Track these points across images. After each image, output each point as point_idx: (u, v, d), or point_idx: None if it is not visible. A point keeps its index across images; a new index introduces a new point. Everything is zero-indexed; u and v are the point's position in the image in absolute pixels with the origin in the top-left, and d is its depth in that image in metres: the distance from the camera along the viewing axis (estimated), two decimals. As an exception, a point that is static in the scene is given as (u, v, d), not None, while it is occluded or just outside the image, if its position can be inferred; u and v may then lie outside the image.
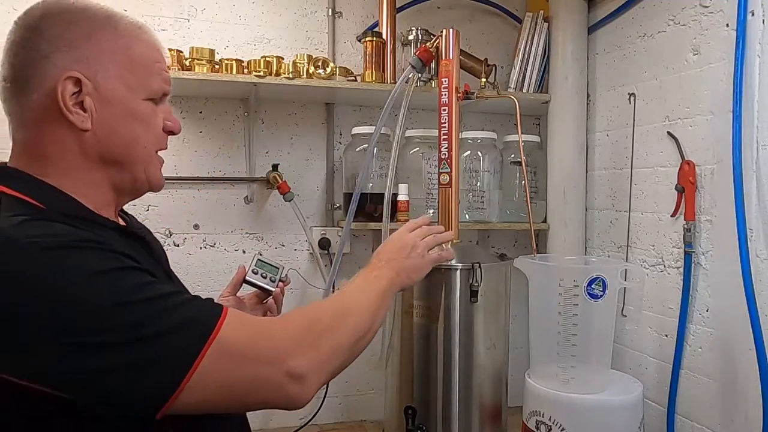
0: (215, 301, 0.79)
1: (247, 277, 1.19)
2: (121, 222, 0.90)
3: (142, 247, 0.86)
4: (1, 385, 0.64)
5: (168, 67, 0.87)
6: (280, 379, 0.69)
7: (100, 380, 0.62)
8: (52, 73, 0.74)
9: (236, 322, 0.69)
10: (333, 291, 1.93)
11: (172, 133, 0.87)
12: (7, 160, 0.80)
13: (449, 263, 1.41)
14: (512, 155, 1.98)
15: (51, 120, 0.75)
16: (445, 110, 1.46)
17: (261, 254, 1.25)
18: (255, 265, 1.21)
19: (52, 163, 0.77)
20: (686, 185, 1.54)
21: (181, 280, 0.99)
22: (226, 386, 0.67)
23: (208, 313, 0.69)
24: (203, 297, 0.75)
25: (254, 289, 1.21)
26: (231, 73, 1.72)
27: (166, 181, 0.93)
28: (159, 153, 0.87)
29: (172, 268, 0.99)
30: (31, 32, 0.75)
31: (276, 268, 1.23)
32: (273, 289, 1.20)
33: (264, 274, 1.20)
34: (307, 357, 0.72)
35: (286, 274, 1.25)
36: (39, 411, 0.66)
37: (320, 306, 0.86)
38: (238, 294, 1.21)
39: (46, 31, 0.75)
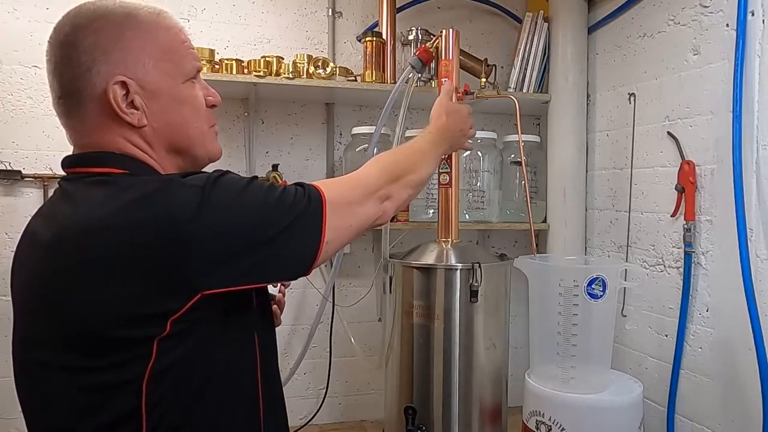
0: None
1: None
2: None
3: None
4: (199, 303, 0.72)
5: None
6: (377, 205, 0.93)
7: (285, 250, 0.79)
8: (99, 83, 0.79)
9: (331, 185, 0.88)
10: (333, 291, 1.94)
11: (213, 106, 0.91)
12: None
13: (449, 263, 1.42)
14: (512, 155, 1.98)
15: (112, 124, 0.80)
16: (445, 110, 1.46)
17: None
18: None
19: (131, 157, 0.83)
20: (686, 185, 1.54)
21: None
22: (346, 227, 0.87)
23: (311, 188, 0.85)
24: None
25: None
26: (231, 73, 1.72)
27: None
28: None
29: None
30: (67, 49, 0.80)
31: None
32: (276, 294, 1.22)
33: None
34: (389, 186, 0.95)
35: None
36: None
37: (395, 152, 1.10)
38: None
39: (80, 45, 0.79)
